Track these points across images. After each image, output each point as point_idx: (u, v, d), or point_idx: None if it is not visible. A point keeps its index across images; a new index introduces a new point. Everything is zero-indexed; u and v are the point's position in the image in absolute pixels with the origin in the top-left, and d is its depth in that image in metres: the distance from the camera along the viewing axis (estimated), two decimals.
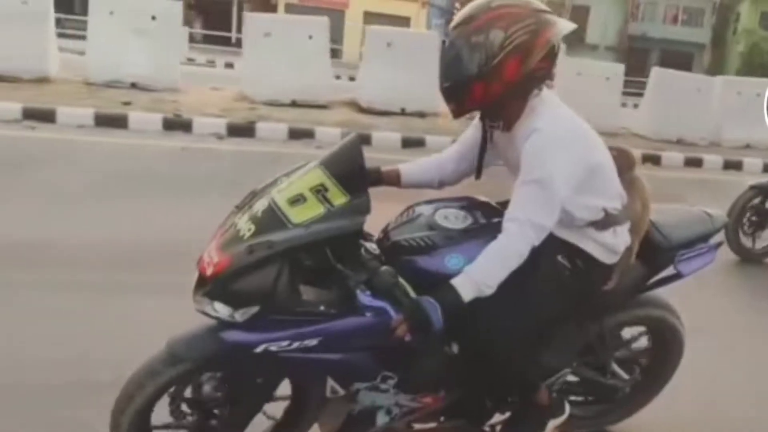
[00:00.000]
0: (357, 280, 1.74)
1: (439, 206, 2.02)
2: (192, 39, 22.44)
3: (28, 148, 6.09)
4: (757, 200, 5.09)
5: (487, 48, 1.73)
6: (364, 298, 1.73)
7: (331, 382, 1.85)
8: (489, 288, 1.76)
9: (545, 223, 1.80)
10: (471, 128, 2.11)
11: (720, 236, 2.31)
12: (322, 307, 1.74)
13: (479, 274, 1.76)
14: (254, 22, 9.25)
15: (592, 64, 11.73)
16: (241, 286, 1.68)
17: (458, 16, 1.82)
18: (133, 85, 8.80)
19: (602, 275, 2.06)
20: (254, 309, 1.69)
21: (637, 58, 29.87)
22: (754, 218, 5.09)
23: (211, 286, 1.70)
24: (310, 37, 9.08)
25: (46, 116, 7.03)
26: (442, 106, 2.05)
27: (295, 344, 1.71)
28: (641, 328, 2.41)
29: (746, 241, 5.07)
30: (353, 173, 1.76)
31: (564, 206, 1.84)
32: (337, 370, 1.83)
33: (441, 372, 1.97)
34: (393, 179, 2.11)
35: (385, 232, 1.99)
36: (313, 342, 1.73)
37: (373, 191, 1.84)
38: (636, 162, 2.07)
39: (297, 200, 1.73)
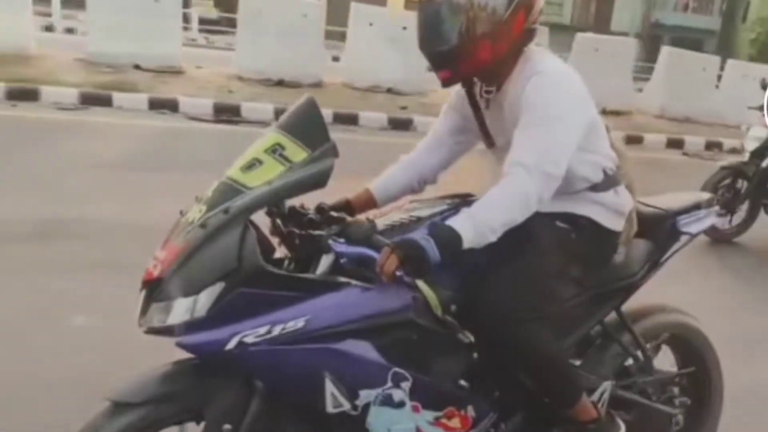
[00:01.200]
0: (331, 232, 1.53)
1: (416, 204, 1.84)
2: None
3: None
4: (727, 181, 5.19)
5: (494, 5, 1.61)
6: (339, 246, 1.51)
7: (331, 388, 1.48)
8: (492, 231, 1.56)
9: (554, 171, 1.60)
10: (441, 116, 1.96)
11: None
12: (303, 275, 1.50)
13: (480, 212, 1.57)
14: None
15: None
16: (199, 264, 1.41)
17: None
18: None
19: (608, 242, 1.86)
20: (219, 287, 1.40)
21: (650, 44, 30.72)
22: (725, 199, 5.15)
23: (162, 284, 1.40)
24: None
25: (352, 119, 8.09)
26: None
27: (277, 329, 1.42)
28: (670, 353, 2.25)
29: (717, 222, 5.08)
30: (311, 127, 1.53)
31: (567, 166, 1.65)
32: (334, 364, 1.49)
33: (459, 366, 1.70)
34: (366, 203, 1.89)
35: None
36: (300, 323, 1.44)
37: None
38: (610, 129, 1.91)
39: (252, 165, 1.49)
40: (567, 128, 1.64)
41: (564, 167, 1.63)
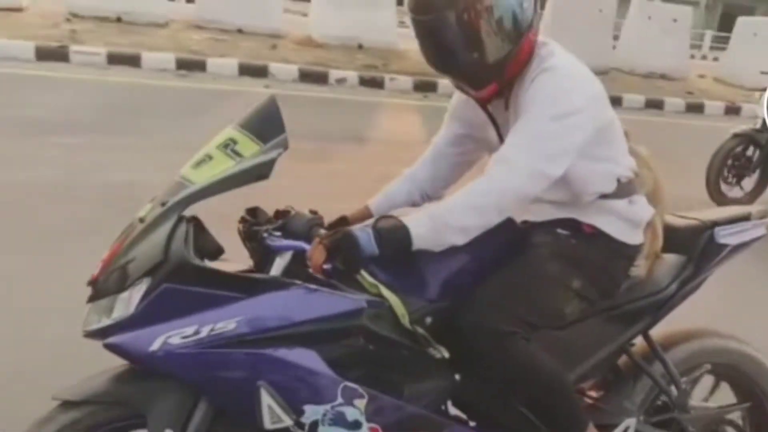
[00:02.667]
0: (267, 228, 1.44)
1: None
2: None
3: None
4: (739, 148, 5.10)
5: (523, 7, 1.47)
6: (273, 239, 1.41)
7: (267, 400, 1.33)
8: (452, 231, 1.41)
9: (549, 170, 1.44)
10: (443, 130, 1.81)
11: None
12: (238, 272, 1.42)
13: (442, 211, 1.43)
14: None
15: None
16: (130, 259, 1.35)
17: None
18: None
19: (622, 255, 1.63)
20: (146, 283, 1.33)
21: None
22: (735, 166, 5.10)
23: (100, 282, 1.36)
24: None
25: None
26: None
27: (204, 331, 1.31)
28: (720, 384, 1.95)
29: (727, 190, 5.06)
30: (268, 121, 1.45)
31: (571, 175, 1.51)
32: (271, 373, 1.34)
33: (434, 387, 1.51)
34: (364, 219, 1.75)
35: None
36: (230, 325, 1.32)
37: None
38: (630, 134, 1.72)
39: (202, 161, 1.43)
40: (570, 127, 1.45)
41: (562, 167, 1.46)
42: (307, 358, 1.36)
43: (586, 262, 1.58)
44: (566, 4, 9.71)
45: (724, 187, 5.04)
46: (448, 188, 1.83)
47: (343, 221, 1.70)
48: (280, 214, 1.54)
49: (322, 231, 1.42)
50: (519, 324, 1.47)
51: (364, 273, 1.42)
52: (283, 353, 1.34)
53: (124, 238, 1.39)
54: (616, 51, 10.77)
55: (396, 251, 1.40)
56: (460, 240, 1.43)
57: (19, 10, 8.50)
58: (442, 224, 1.41)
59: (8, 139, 4.68)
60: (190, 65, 7.61)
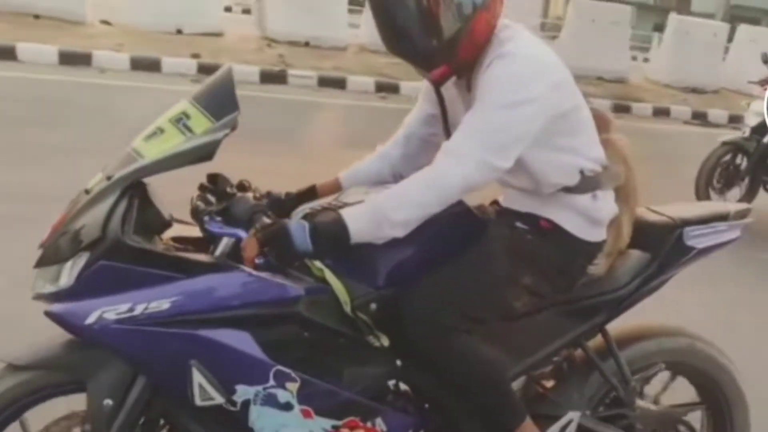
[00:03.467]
0: (211, 210, 1.43)
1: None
2: None
3: None
4: (728, 157, 5.07)
5: None
6: (213, 225, 1.42)
7: (198, 378, 1.36)
8: (392, 224, 1.39)
9: (498, 162, 1.42)
10: (415, 109, 1.77)
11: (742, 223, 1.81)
12: (175, 253, 1.42)
13: (382, 203, 1.40)
14: None
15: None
16: (70, 230, 1.37)
17: None
18: None
19: (581, 252, 1.60)
20: (84, 257, 1.35)
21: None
22: (724, 175, 5.06)
23: (46, 249, 1.39)
24: None
25: None
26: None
27: (139, 308, 1.33)
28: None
29: (716, 198, 4.95)
30: (222, 96, 1.46)
31: (530, 166, 1.48)
32: (203, 353, 1.37)
33: (373, 373, 1.54)
34: (334, 191, 1.74)
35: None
36: (164, 304, 1.34)
37: None
38: (612, 124, 1.70)
39: (153, 134, 1.44)
40: (522, 117, 1.42)
41: (510, 159, 1.43)
42: (240, 340, 1.37)
43: (540, 259, 1.56)
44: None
45: (713, 195, 4.99)
46: (420, 166, 1.74)
47: (312, 191, 1.71)
48: (240, 187, 1.57)
49: (264, 218, 1.41)
50: (462, 318, 1.48)
51: None
52: (217, 335, 1.36)
53: (72, 207, 1.41)
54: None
55: (333, 246, 1.40)
56: (400, 233, 1.41)
57: (219, 35, 9.28)
58: (382, 218, 1.39)
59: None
60: (387, 88, 8.24)
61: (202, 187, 1.56)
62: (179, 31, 8.87)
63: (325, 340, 1.47)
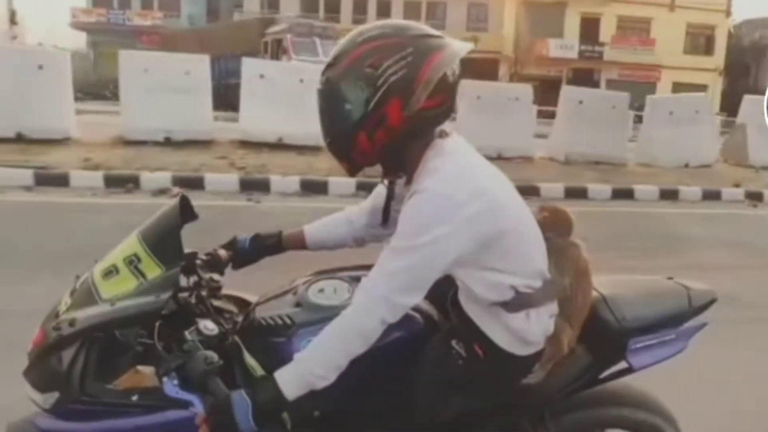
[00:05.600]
0: (169, 367, 1.53)
1: (323, 278, 1.76)
2: None
3: None
4: None
5: (359, 92, 1.46)
6: (171, 388, 1.52)
7: None
8: (320, 379, 1.47)
9: (406, 301, 1.48)
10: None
11: (700, 319, 1.77)
12: (134, 397, 1.56)
13: (306, 361, 1.48)
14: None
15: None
16: (43, 367, 1.57)
17: (330, 57, 1.53)
18: None
19: (515, 369, 1.65)
20: (54, 396, 1.55)
21: None
22: None
23: (27, 366, 1.60)
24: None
25: None
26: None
27: None
28: None
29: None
30: (168, 242, 1.54)
31: (459, 280, 1.55)
32: None
33: None
34: (297, 242, 1.86)
35: (253, 308, 1.75)
36: None
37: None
38: (572, 225, 1.66)
39: (110, 272, 1.57)
40: (433, 257, 1.45)
41: (421, 294, 1.50)
42: None
43: (471, 384, 1.64)
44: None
45: None
46: (386, 237, 1.82)
47: (278, 241, 1.88)
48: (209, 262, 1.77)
49: (216, 384, 1.48)
50: (392, 428, 1.64)
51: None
52: None
53: (42, 340, 1.59)
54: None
55: (273, 415, 1.49)
56: (332, 379, 1.48)
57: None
58: (309, 375, 1.45)
59: None
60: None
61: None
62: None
63: None
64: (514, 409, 1.76)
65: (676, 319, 1.75)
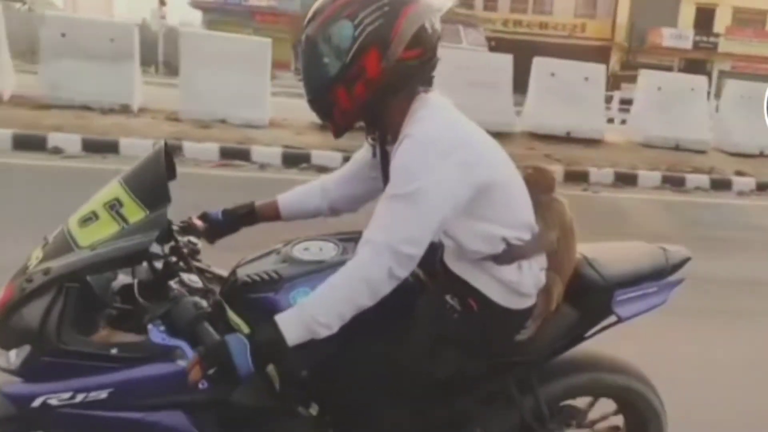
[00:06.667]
0: (153, 314, 1.47)
1: (307, 238, 1.72)
2: None
3: None
4: None
5: (336, 44, 1.45)
6: (157, 334, 1.46)
7: None
8: (324, 327, 1.42)
9: (411, 251, 1.43)
10: (363, 149, 1.78)
11: (680, 275, 1.83)
12: (114, 350, 1.45)
13: (310, 307, 1.43)
14: None
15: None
16: (13, 321, 1.44)
17: (310, 12, 1.52)
18: None
19: (509, 323, 1.64)
20: (26, 350, 1.42)
21: None
22: None
23: None
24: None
25: None
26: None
27: (80, 397, 1.42)
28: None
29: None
30: (153, 184, 1.47)
31: (451, 233, 1.51)
32: None
33: None
34: (271, 213, 1.82)
35: (233, 270, 1.68)
36: (102, 395, 1.42)
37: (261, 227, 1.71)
38: (554, 182, 1.69)
39: (88, 219, 1.47)
40: (431, 203, 1.43)
41: (424, 244, 1.45)
42: (175, 421, 1.47)
43: (465, 338, 1.62)
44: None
45: None
46: (361, 206, 1.83)
47: (251, 211, 1.81)
48: (184, 230, 1.67)
49: (206, 328, 1.42)
50: (383, 390, 1.58)
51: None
52: (152, 417, 1.46)
53: (10, 295, 1.46)
54: None
55: (273, 357, 1.44)
56: (335, 328, 1.44)
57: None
58: (312, 322, 1.41)
59: None
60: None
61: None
62: None
63: (256, 416, 1.55)
64: (504, 369, 1.75)
65: (656, 275, 1.80)
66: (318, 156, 7.33)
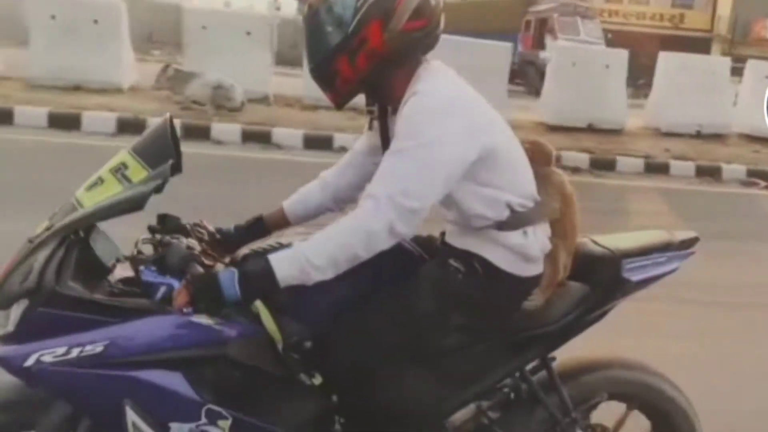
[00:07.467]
0: (147, 259, 1.48)
1: (314, 231, 1.69)
2: None
3: None
4: None
5: (339, 13, 1.46)
6: (148, 274, 1.47)
7: (132, 417, 1.42)
8: (317, 270, 1.41)
9: (413, 204, 1.41)
10: (362, 137, 1.80)
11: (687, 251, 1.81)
12: (110, 299, 1.47)
13: (305, 248, 1.42)
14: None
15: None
16: (12, 278, 1.45)
17: None
18: None
19: (515, 290, 1.62)
20: (24, 304, 1.43)
21: None
22: None
23: None
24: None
25: None
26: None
27: (75, 352, 1.39)
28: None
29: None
30: (158, 146, 1.51)
31: (455, 198, 1.50)
32: (137, 393, 1.43)
33: (306, 410, 1.58)
34: (279, 220, 1.81)
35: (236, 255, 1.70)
36: (98, 348, 1.40)
37: None
38: (552, 156, 1.73)
39: (94, 184, 1.50)
40: (436, 158, 1.43)
41: (426, 200, 1.44)
42: (172, 380, 1.43)
43: (470, 300, 1.58)
44: None
45: None
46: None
47: (259, 223, 1.78)
48: (182, 229, 1.64)
49: (196, 267, 1.44)
50: (389, 358, 1.53)
51: None
52: (149, 375, 1.42)
53: (12, 260, 1.48)
54: None
55: (262, 292, 1.44)
56: (329, 275, 1.43)
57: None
58: (306, 263, 1.40)
59: None
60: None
61: (150, 228, 1.63)
62: None
63: (257, 379, 1.51)
64: (518, 348, 1.71)
65: (663, 247, 1.79)
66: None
